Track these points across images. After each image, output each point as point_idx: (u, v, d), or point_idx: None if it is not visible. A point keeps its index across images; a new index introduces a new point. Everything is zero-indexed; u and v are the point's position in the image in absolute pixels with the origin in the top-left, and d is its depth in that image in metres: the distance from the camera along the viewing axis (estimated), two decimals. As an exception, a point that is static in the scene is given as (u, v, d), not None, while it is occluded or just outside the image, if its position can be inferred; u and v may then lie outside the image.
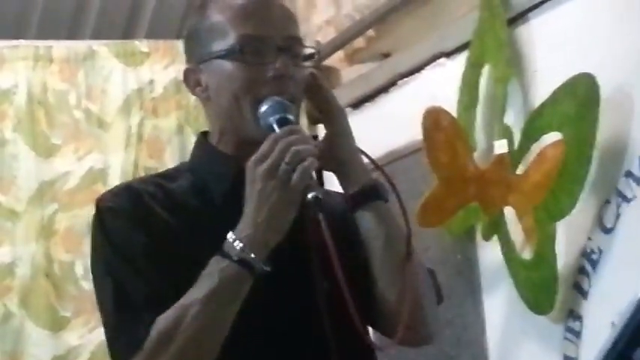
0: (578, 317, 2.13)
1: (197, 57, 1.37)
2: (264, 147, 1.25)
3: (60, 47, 3.20)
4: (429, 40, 2.62)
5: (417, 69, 2.67)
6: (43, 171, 3.09)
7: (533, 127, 2.18)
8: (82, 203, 3.06)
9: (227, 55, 1.31)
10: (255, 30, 1.32)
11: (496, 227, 2.30)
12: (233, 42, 1.32)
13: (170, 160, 3.18)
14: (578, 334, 2.13)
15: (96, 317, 3.39)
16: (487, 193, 2.30)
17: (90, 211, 3.00)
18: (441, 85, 2.54)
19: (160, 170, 3.10)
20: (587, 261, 2.12)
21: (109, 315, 1.33)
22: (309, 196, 1.23)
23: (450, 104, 2.41)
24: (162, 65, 3.23)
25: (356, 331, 1.25)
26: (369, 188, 1.34)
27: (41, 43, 3.21)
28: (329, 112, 1.36)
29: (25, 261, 3.01)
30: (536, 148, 2.17)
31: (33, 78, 3.14)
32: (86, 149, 3.12)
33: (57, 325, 3.00)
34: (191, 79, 1.38)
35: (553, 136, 2.10)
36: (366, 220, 1.34)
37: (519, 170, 2.22)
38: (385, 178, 1.38)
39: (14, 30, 3.38)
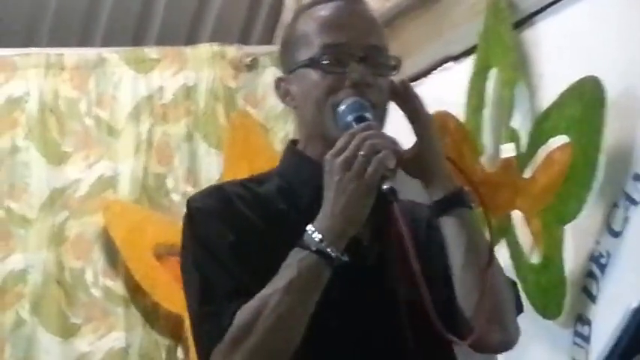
0: (587, 322, 2.13)
1: (286, 67, 1.44)
2: (341, 141, 1.29)
3: (71, 55, 3.22)
4: (436, 44, 2.63)
5: (425, 73, 2.67)
6: (54, 178, 3.11)
7: (540, 131, 2.18)
8: (92, 210, 3.08)
9: (310, 64, 1.37)
10: (337, 39, 1.37)
11: (504, 231, 2.30)
12: (316, 51, 1.37)
13: (179, 166, 3.19)
14: (587, 338, 2.13)
15: (105, 324, 3.32)
16: (495, 196, 2.30)
17: (99, 218, 3.09)
18: (448, 89, 2.54)
19: (169, 175, 3.23)
20: (596, 265, 2.11)
21: (194, 308, 1.36)
22: (385, 187, 1.26)
23: (458, 108, 2.41)
24: (172, 72, 3.24)
25: (433, 325, 1.27)
26: (453, 195, 1.37)
27: (52, 51, 3.23)
28: (417, 119, 1.40)
29: (37, 268, 3.03)
30: (543, 151, 2.17)
31: (44, 86, 3.16)
32: (96, 156, 3.14)
33: (67, 332, 3.02)
34: (281, 89, 1.44)
35: (560, 140, 2.11)
36: (449, 226, 1.36)
37: (526, 174, 2.22)
38: (471, 185, 1.41)
39: (25, 38, 3.40)
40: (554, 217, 2.11)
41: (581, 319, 2.14)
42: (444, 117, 2.37)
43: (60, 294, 3.02)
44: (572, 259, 2.14)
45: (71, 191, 3.11)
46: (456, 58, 2.56)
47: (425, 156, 1.38)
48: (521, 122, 2.28)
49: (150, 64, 3.24)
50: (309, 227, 1.28)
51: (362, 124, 1.30)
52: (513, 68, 2.27)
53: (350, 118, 1.32)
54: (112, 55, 3.24)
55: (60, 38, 3.42)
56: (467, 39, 2.47)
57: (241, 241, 1.35)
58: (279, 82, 1.44)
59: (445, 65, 2.60)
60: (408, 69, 2.75)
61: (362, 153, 1.26)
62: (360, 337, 1.35)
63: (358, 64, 1.35)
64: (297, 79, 1.40)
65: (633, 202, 2.02)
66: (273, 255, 1.32)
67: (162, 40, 3.43)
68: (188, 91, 3.22)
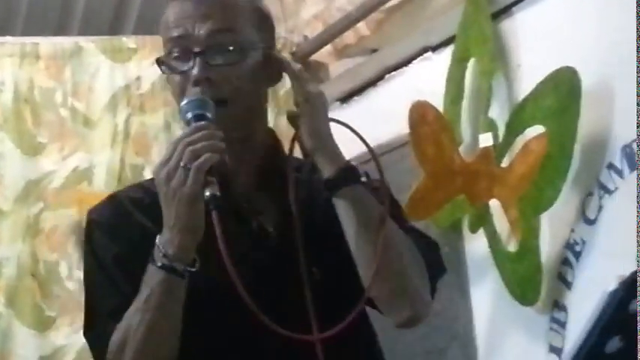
0: (563, 308, 2.16)
1: None
2: (165, 151, 1.27)
3: (46, 44, 3.17)
4: (415, 34, 2.64)
5: (404, 63, 2.68)
6: (29, 170, 3.06)
7: (517, 121, 2.20)
8: (67, 203, 3.04)
9: (158, 64, 1.37)
10: (175, 32, 1.34)
11: (482, 220, 2.33)
12: (165, 49, 1.36)
13: (157, 156, 3.14)
14: (563, 324, 2.16)
15: (81, 318, 3.39)
16: (473, 185, 2.32)
17: (74, 210, 3.06)
18: (427, 79, 2.56)
19: (147, 166, 3.20)
20: (571, 252, 2.14)
21: (84, 323, 1.40)
22: (207, 194, 1.24)
23: (437, 98, 2.43)
24: (150, 61, 3.20)
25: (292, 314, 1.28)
26: (340, 173, 1.32)
27: (28, 40, 3.19)
28: (300, 97, 1.35)
29: (12, 260, 2.99)
30: (520, 141, 2.19)
31: (19, 75, 3.11)
32: (71, 148, 3.09)
33: (43, 324, 2.98)
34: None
35: (536, 130, 2.13)
36: (339, 205, 1.33)
37: (504, 163, 2.24)
38: (364, 143, 1.38)
39: (0, 27, 3.36)
40: (530, 206, 2.14)
41: (558, 306, 2.17)
42: (423, 107, 2.38)
43: (34, 287, 2.99)
44: (548, 246, 2.17)
45: (46, 183, 3.06)
46: (435, 48, 2.57)
47: (307, 132, 1.33)
48: (499, 112, 2.30)
49: (127, 53, 3.20)
50: (157, 240, 1.27)
51: (190, 128, 1.26)
52: (491, 59, 2.29)
53: (189, 115, 1.29)
54: (88, 44, 3.20)
55: (35, 27, 3.38)
56: (446, 29, 2.48)
57: (131, 253, 1.34)
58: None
59: (425, 55, 2.61)
60: (388, 59, 2.77)
61: (183, 162, 1.23)
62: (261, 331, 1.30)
63: (197, 58, 1.30)
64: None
65: (607, 190, 2.05)
66: None
67: (140, 29, 3.41)
68: (166, 81, 3.20)
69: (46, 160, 3.08)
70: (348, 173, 1.33)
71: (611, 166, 2.04)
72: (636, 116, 1.73)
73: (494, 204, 2.28)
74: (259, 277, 1.32)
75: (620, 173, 2.02)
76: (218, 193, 1.23)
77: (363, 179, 1.35)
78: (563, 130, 2.06)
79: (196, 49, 1.31)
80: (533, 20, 2.25)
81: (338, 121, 1.38)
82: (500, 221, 2.27)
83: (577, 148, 2.07)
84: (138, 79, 3.19)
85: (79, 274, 3.03)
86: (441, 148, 2.36)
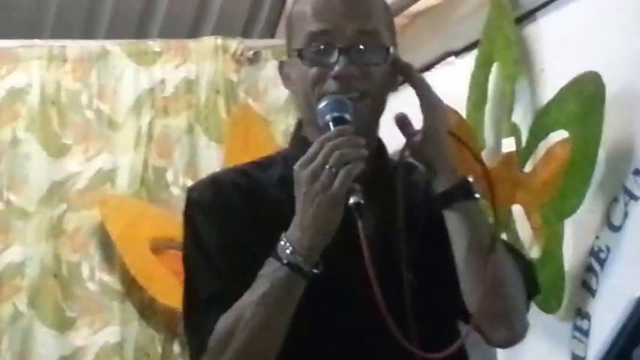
0: (587, 316, 2.13)
1: (287, 50, 1.42)
2: (310, 150, 1.26)
3: (74, 47, 3.21)
4: (438, 39, 2.63)
5: (427, 67, 2.67)
6: (54, 171, 3.09)
7: (540, 126, 2.18)
8: (90, 204, 3.07)
9: (297, 55, 1.36)
10: (321, 27, 1.34)
11: (505, 225, 2.30)
12: (303, 40, 1.35)
13: (179, 159, 3.18)
14: (586, 332, 2.13)
15: (100, 319, 3.26)
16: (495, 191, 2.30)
17: (97, 212, 3.08)
18: (450, 83, 2.53)
19: (169, 169, 3.22)
20: (595, 259, 2.11)
21: (183, 307, 1.38)
22: (351, 201, 1.24)
23: (460, 102, 2.41)
24: (174, 65, 3.23)
25: (395, 336, 1.26)
26: (457, 188, 1.35)
27: (55, 43, 3.23)
28: (422, 106, 1.37)
29: (35, 261, 3.02)
30: (543, 146, 2.17)
31: (47, 78, 3.15)
32: (96, 150, 3.13)
33: (64, 325, 3.01)
34: (283, 72, 1.42)
35: (560, 135, 2.11)
36: (451, 219, 1.34)
37: (527, 168, 2.23)
38: (483, 171, 1.40)
39: (29, 29, 3.40)
40: (554, 212, 2.12)
41: (581, 313, 2.14)
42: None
43: (56, 287, 3.01)
44: (571, 253, 2.15)
45: (70, 184, 3.09)
46: (458, 52, 2.56)
47: (428, 142, 1.35)
48: (522, 117, 2.28)
49: (152, 56, 3.23)
50: (282, 237, 1.27)
51: (334, 131, 1.27)
52: (515, 63, 2.27)
53: (328, 117, 1.29)
54: (114, 47, 3.23)
55: (63, 30, 3.41)
56: (469, 34, 2.47)
57: (232, 239, 1.34)
58: (281, 66, 1.43)
59: (447, 59, 2.60)
60: (411, 63, 2.75)
61: (329, 165, 1.23)
62: (357, 337, 1.33)
63: (341, 55, 1.32)
64: (291, 65, 1.39)
65: (633, 196, 2.02)
66: (265, 249, 1.31)
67: (166, 33, 3.43)
68: (190, 85, 3.21)
69: (70, 161, 3.12)
70: (465, 187, 1.36)
71: (637, 172, 2.02)
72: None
73: (516, 209, 2.26)
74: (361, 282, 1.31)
75: (646, 179, 2.00)
76: (362, 201, 1.23)
77: (477, 195, 1.36)
78: (587, 135, 2.04)
79: (342, 46, 1.32)
80: (556, 25, 2.24)
81: (454, 135, 1.41)
82: (523, 227, 2.25)
83: (602, 154, 2.05)
84: (162, 82, 3.21)
85: (101, 276, 3.09)
86: (463, 153, 2.33)
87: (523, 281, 1.39)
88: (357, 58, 1.33)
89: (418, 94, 1.38)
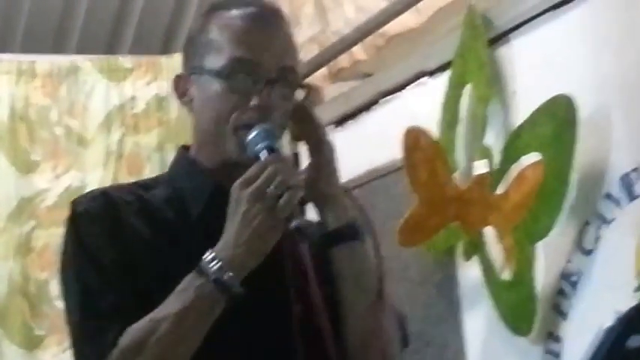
0: (558, 339, 2.13)
1: (190, 67, 1.38)
2: (252, 171, 1.26)
3: (43, 62, 3.19)
4: (411, 59, 2.62)
5: (399, 88, 2.67)
6: (23, 187, 3.08)
7: (513, 148, 2.18)
8: (59, 221, 3.00)
9: (216, 75, 1.33)
10: (249, 55, 1.33)
11: (476, 247, 2.30)
12: (224, 63, 1.32)
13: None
14: (557, 355, 2.12)
15: (68, 338, 3.47)
16: (467, 213, 2.29)
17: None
18: (422, 104, 2.54)
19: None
20: (567, 283, 2.11)
21: (74, 322, 1.32)
22: (293, 224, 1.24)
23: (432, 123, 2.41)
24: (145, 81, 3.22)
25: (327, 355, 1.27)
26: (346, 228, 1.34)
27: (25, 58, 3.19)
28: (316, 144, 1.37)
29: (3, 278, 2.99)
30: (515, 168, 2.16)
31: (16, 93, 3.13)
32: (65, 167, 3.11)
33: (32, 343, 2.99)
34: (180, 87, 1.39)
35: (532, 157, 2.10)
36: (339, 259, 1.34)
37: (499, 190, 2.22)
38: (364, 216, 1.39)
39: (-3, 44, 3.37)
40: (525, 235, 2.11)
41: (552, 337, 2.14)
42: (417, 133, 2.36)
43: (24, 305, 2.99)
44: (543, 276, 2.14)
45: (39, 201, 3.08)
46: (431, 73, 2.55)
47: (320, 183, 1.35)
48: (494, 139, 2.28)
49: (123, 73, 3.21)
50: (209, 253, 1.25)
51: (273, 155, 1.27)
52: (487, 85, 2.27)
53: (260, 146, 1.28)
54: (84, 63, 3.21)
55: (32, 45, 3.38)
56: (442, 54, 2.47)
57: (126, 253, 1.31)
58: (177, 80, 1.39)
59: (420, 80, 2.59)
60: (383, 83, 2.76)
61: (272, 186, 1.23)
62: (253, 350, 1.31)
63: (267, 86, 1.31)
64: (198, 84, 1.35)
65: (605, 220, 2.02)
66: (158, 267, 1.29)
67: (137, 49, 3.41)
68: (160, 101, 3.20)
69: (39, 178, 3.10)
70: (353, 229, 1.35)
71: (608, 196, 2.01)
72: None
73: (488, 232, 2.26)
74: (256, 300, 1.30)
75: (617, 203, 2.00)
76: (304, 224, 1.24)
77: (365, 238, 1.36)
78: (559, 158, 2.04)
79: (273, 76, 1.32)
80: (529, 47, 2.24)
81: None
82: (495, 249, 2.24)
83: (574, 177, 2.05)
84: (133, 98, 3.20)
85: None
86: (434, 174, 2.33)
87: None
88: (278, 92, 1.32)
89: (310, 133, 1.36)
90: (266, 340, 1.31)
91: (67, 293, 1.34)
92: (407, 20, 2.65)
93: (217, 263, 1.24)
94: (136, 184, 1.43)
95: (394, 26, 2.67)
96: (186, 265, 1.27)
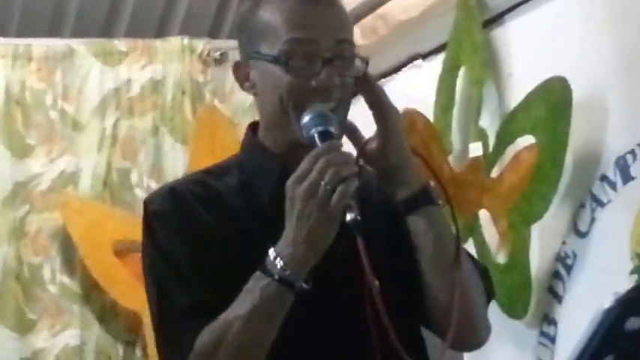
0: (553, 322, 2.13)
1: (247, 52, 1.38)
2: (303, 165, 1.24)
3: (39, 46, 3.17)
4: (406, 41, 2.61)
5: (394, 70, 2.66)
6: (17, 171, 3.07)
7: (507, 131, 2.17)
8: (52, 206, 3.04)
9: (275, 60, 1.33)
10: (304, 35, 1.32)
11: (471, 230, 2.29)
12: (280, 48, 1.32)
13: (144, 161, 3.16)
14: (552, 338, 2.12)
15: (60, 321, 3.26)
16: (462, 195, 2.29)
17: (58, 214, 3.04)
18: (417, 86, 2.53)
19: (133, 170, 3.19)
20: (562, 265, 2.11)
21: (155, 321, 1.36)
22: (348, 218, 1.23)
23: (427, 106, 2.40)
24: (140, 65, 3.21)
25: (398, 351, 1.26)
26: (421, 193, 1.34)
27: (20, 42, 3.18)
28: (382, 112, 1.35)
29: (-3, 262, 3.00)
30: (510, 151, 2.16)
31: (11, 77, 3.12)
32: (59, 151, 3.10)
33: (24, 327, 2.99)
34: (241, 73, 1.39)
35: (527, 140, 2.10)
36: (416, 225, 1.34)
37: (494, 173, 2.21)
38: (438, 181, 1.39)
39: (-7, 28, 3.35)
40: (520, 217, 2.11)
41: (547, 319, 2.14)
42: (413, 115, 2.35)
43: (18, 289, 2.99)
44: (538, 259, 2.14)
45: (33, 185, 3.07)
46: (425, 56, 2.54)
47: (389, 150, 1.34)
48: (489, 121, 2.27)
49: (118, 56, 3.20)
50: (272, 252, 1.26)
51: (325, 146, 1.25)
52: (482, 67, 2.26)
53: (314, 131, 1.28)
54: (80, 46, 3.20)
55: (28, 29, 3.37)
56: (437, 37, 2.45)
57: (200, 250, 1.32)
58: (237, 67, 1.39)
59: (415, 62, 2.58)
60: (378, 66, 2.74)
61: (325, 181, 1.22)
62: (328, 339, 1.33)
63: (325, 66, 1.30)
64: (258, 69, 1.35)
65: (599, 202, 2.02)
66: (232, 258, 1.31)
67: (132, 32, 3.39)
68: (155, 85, 3.19)
69: (34, 162, 3.09)
70: (428, 194, 1.35)
71: (604, 178, 2.01)
72: None
73: (483, 214, 2.25)
74: (329, 287, 1.31)
75: (613, 185, 1.99)
76: (359, 218, 1.22)
77: (440, 202, 1.36)
78: (554, 140, 2.03)
79: (325, 56, 1.31)
80: (524, 29, 2.23)
81: (416, 152, 1.40)
82: (490, 232, 2.24)
83: (569, 160, 2.04)
84: (128, 82, 3.19)
85: (61, 278, 3.07)
86: (430, 157, 2.32)
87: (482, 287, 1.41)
88: (337, 69, 1.32)
89: (375, 102, 1.35)
90: (338, 336, 1.33)
91: (148, 292, 1.37)
92: (403, 2, 2.64)
93: (280, 262, 1.25)
94: (207, 172, 1.43)
95: (389, 9, 2.65)
96: (259, 253, 1.28)
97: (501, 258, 2.21)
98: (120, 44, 3.23)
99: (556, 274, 2.12)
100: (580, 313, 2.00)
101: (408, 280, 1.34)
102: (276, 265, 1.25)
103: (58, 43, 3.22)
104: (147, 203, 1.39)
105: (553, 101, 2.02)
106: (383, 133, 1.34)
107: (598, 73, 2.02)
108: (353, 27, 1.39)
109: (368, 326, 1.30)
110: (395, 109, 1.37)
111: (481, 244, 2.26)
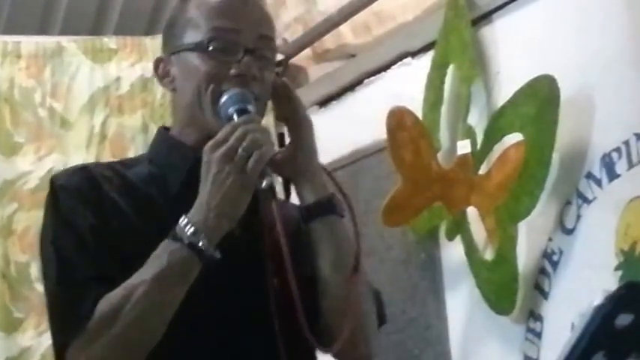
0: (539, 318, 2.14)
1: (169, 48, 1.39)
2: (221, 132, 1.25)
3: (28, 43, 3.16)
4: (395, 39, 2.62)
5: (383, 68, 2.66)
6: (6, 169, 3.05)
7: (495, 128, 2.18)
8: (40, 204, 2.94)
9: (195, 48, 1.33)
10: (226, 24, 1.34)
11: (459, 227, 2.31)
12: (203, 36, 1.33)
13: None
14: (539, 334, 2.14)
15: (46, 320, 3.40)
16: (451, 193, 2.30)
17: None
18: (406, 84, 2.54)
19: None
20: (548, 262, 2.12)
21: (52, 291, 1.32)
22: (264, 183, 1.24)
23: (416, 103, 2.41)
24: (130, 62, 3.20)
25: (300, 327, 1.28)
26: (325, 202, 1.35)
27: (9, 39, 3.17)
28: (295, 122, 1.38)
29: (-16, 260, 2.98)
30: (498, 148, 2.17)
31: (0, 74, 3.10)
32: (48, 149, 3.09)
33: (11, 326, 2.97)
34: (160, 69, 1.40)
35: (514, 137, 2.11)
36: (317, 233, 1.35)
37: (482, 170, 2.23)
38: (340, 192, 1.39)
39: (-18, 25, 3.35)
40: (507, 214, 2.12)
41: (534, 315, 2.15)
42: (401, 113, 2.36)
43: (4, 288, 2.97)
44: (525, 255, 2.15)
45: (21, 183, 3.05)
46: (414, 53, 2.55)
47: (298, 158, 1.36)
48: (477, 119, 2.28)
49: (108, 54, 3.19)
50: (182, 219, 1.25)
51: (244, 117, 1.27)
52: (471, 65, 2.27)
53: (232, 109, 1.29)
54: (69, 43, 3.18)
55: (18, 26, 3.36)
56: (426, 34, 2.46)
57: (105, 225, 1.31)
58: (158, 62, 1.40)
59: (404, 60, 2.59)
60: (367, 63, 2.76)
61: (243, 146, 1.23)
62: (226, 330, 1.32)
63: (246, 55, 1.32)
64: (179, 62, 1.36)
65: (586, 200, 2.03)
66: (138, 241, 1.29)
67: (122, 30, 3.39)
68: (145, 82, 3.18)
69: (22, 160, 3.08)
70: (332, 204, 1.36)
71: (589, 176, 2.02)
72: None
73: (471, 212, 2.26)
74: (229, 278, 1.31)
75: (598, 183, 2.01)
76: (274, 184, 1.24)
77: (343, 214, 1.37)
78: (541, 138, 2.05)
79: (247, 46, 1.33)
80: (513, 27, 2.24)
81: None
82: (477, 229, 2.25)
83: (556, 157, 2.05)
84: (117, 79, 3.18)
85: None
86: (418, 154, 2.34)
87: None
88: (257, 61, 1.33)
89: (290, 109, 1.38)
90: (241, 311, 1.32)
91: (45, 263, 1.34)
92: (392, 1, 2.65)
93: (191, 227, 1.23)
94: (117, 161, 1.44)
95: (378, 6, 2.66)
96: (163, 238, 1.26)
97: (489, 255, 2.22)
98: (110, 42, 3.22)
99: (542, 271, 2.13)
100: (566, 309, 2.02)
101: (308, 287, 1.34)
102: (187, 231, 1.23)
103: (47, 41, 3.21)
104: (53, 179, 1.38)
105: (541, 99, 2.04)
106: (295, 142, 1.37)
107: (585, 71, 2.03)
108: (275, 29, 1.40)
109: (271, 307, 1.30)
110: (309, 120, 1.39)
111: (469, 241, 2.27)
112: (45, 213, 1.37)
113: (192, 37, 1.34)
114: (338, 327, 1.31)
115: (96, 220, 1.31)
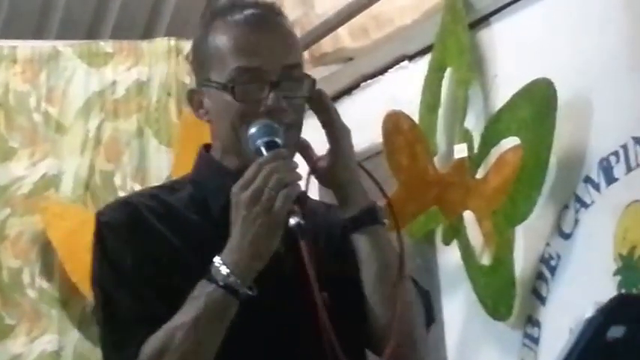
0: (537, 323, 2.13)
1: (199, 80, 1.41)
2: (248, 173, 1.27)
3: (24, 47, 3.15)
4: (392, 42, 2.61)
5: (380, 71, 2.66)
6: (0, 175, 3.04)
7: (492, 132, 2.18)
8: (33, 210, 3.00)
9: (223, 88, 1.35)
10: (250, 62, 1.34)
11: (456, 232, 2.29)
12: (228, 76, 1.34)
13: (128, 163, 3.13)
14: (536, 340, 2.13)
15: (38, 326, 3.20)
16: (447, 197, 2.29)
17: (39, 218, 3.01)
18: (403, 87, 2.53)
19: (117, 173, 3.17)
20: (546, 267, 2.11)
21: (100, 332, 1.37)
22: (292, 222, 1.25)
23: (413, 107, 2.40)
24: (126, 66, 3.18)
25: (350, 336, 1.29)
26: (367, 212, 1.36)
27: (5, 43, 3.16)
28: (333, 131, 1.37)
29: (-24, 266, 2.97)
30: (495, 152, 2.16)
31: (-4, 79, 3.10)
32: (42, 154, 3.07)
33: (2, 333, 2.95)
34: (194, 100, 1.41)
35: (512, 141, 2.10)
36: (361, 243, 1.35)
37: (479, 174, 2.21)
38: (385, 199, 1.40)
39: (-22, 30, 3.34)
40: (505, 219, 2.11)
41: (531, 321, 2.14)
42: (397, 117, 2.35)
43: (-4, 294, 2.97)
44: (522, 260, 2.14)
45: (15, 188, 3.03)
46: (411, 57, 2.54)
47: (338, 168, 1.36)
48: (474, 123, 2.27)
49: (104, 58, 3.18)
50: (217, 259, 1.27)
51: (270, 154, 1.28)
52: (468, 68, 2.26)
53: (259, 142, 1.30)
54: (65, 48, 3.17)
55: (14, 30, 3.35)
56: (423, 38, 2.46)
57: (151, 261, 1.33)
58: (192, 94, 1.41)
59: (401, 64, 2.59)
60: (364, 67, 2.75)
61: (269, 187, 1.24)
62: (278, 346, 1.33)
63: (272, 90, 1.32)
64: (210, 96, 1.37)
65: (583, 204, 2.02)
66: (184, 273, 1.31)
67: (118, 34, 3.38)
68: (141, 87, 3.17)
69: (15, 165, 3.06)
70: (375, 213, 1.36)
71: (588, 180, 2.01)
72: None
73: (468, 216, 2.25)
74: (278, 296, 1.32)
75: (596, 187, 2.00)
76: (303, 222, 1.24)
77: (385, 221, 1.38)
78: (538, 141, 2.04)
79: (271, 80, 1.33)
80: (510, 31, 2.23)
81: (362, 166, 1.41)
82: (474, 233, 2.24)
83: (553, 161, 2.05)
84: (113, 83, 3.17)
85: (41, 283, 3.02)
86: (415, 158, 2.33)
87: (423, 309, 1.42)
88: (285, 91, 1.33)
89: (327, 119, 1.37)
90: (291, 326, 1.33)
91: (95, 304, 1.37)
92: (390, 4, 2.64)
93: (225, 268, 1.26)
94: (160, 187, 1.46)
95: (376, 9, 2.65)
96: (209, 265, 1.28)
97: (486, 259, 2.21)
98: (106, 46, 3.21)
99: (540, 276, 2.12)
100: (564, 314, 2.01)
101: (354, 296, 1.34)
102: (221, 271, 1.26)
103: (43, 45, 3.20)
104: (99, 215, 1.39)
105: (538, 103, 2.03)
106: (333, 152, 1.37)
107: (582, 74, 2.03)
108: (301, 50, 1.40)
109: (315, 336, 1.30)
110: (346, 129, 1.39)
111: (465, 246, 2.26)
112: (93, 250, 1.38)
113: (217, 75, 1.35)
114: (386, 337, 1.32)
115: (141, 258, 1.33)
